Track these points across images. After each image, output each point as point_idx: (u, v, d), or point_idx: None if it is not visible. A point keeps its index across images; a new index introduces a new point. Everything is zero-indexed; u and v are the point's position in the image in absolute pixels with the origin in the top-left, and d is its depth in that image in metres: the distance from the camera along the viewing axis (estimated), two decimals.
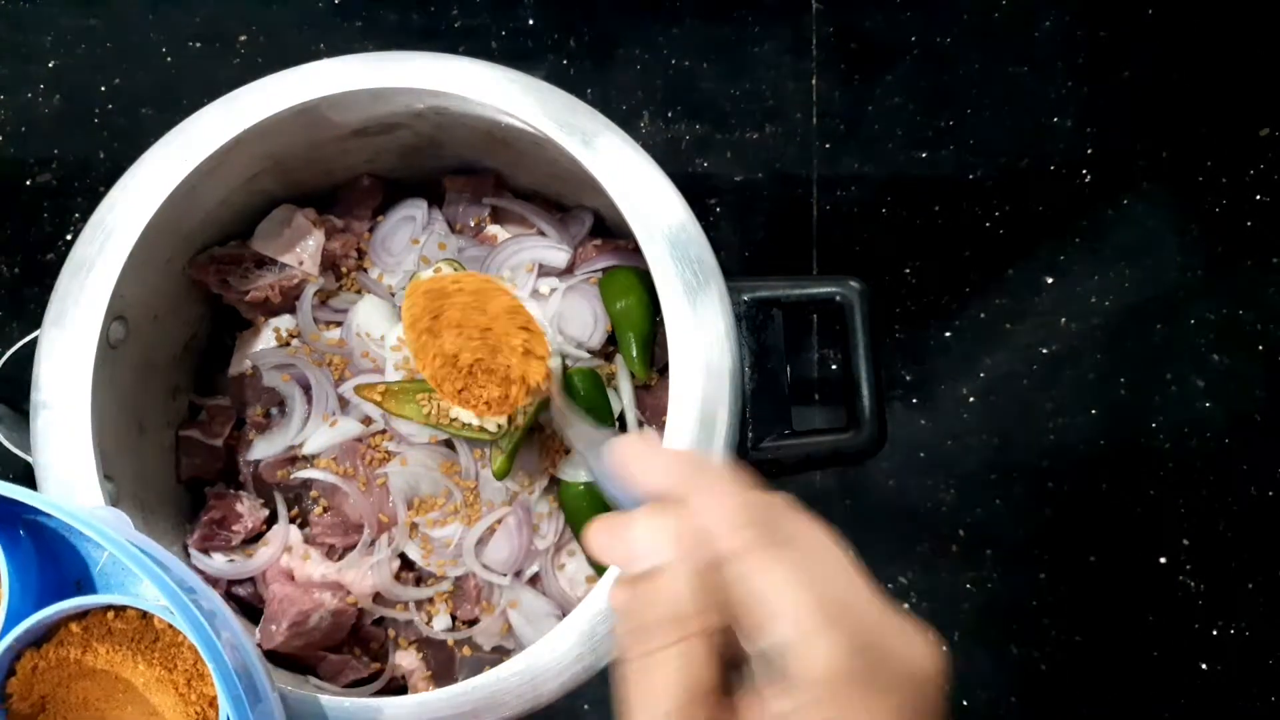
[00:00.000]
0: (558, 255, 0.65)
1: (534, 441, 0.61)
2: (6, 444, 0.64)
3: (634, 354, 0.61)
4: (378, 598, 0.61)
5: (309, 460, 0.63)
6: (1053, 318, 0.79)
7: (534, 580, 0.62)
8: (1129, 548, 0.76)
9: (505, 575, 0.60)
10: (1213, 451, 0.77)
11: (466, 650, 0.61)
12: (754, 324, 0.57)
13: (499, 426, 0.58)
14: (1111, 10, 0.83)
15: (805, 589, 0.32)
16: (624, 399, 0.62)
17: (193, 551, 0.62)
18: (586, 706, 0.74)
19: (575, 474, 0.60)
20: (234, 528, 0.62)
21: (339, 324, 0.65)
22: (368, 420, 0.62)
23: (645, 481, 0.36)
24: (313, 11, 0.84)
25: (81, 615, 0.44)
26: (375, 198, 0.67)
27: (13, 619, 0.43)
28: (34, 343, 0.55)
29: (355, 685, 0.60)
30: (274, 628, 0.58)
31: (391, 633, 0.62)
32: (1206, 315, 0.79)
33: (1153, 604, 0.75)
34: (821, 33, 0.83)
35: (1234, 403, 0.77)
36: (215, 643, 0.41)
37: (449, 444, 0.62)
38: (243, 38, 0.83)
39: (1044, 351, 0.79)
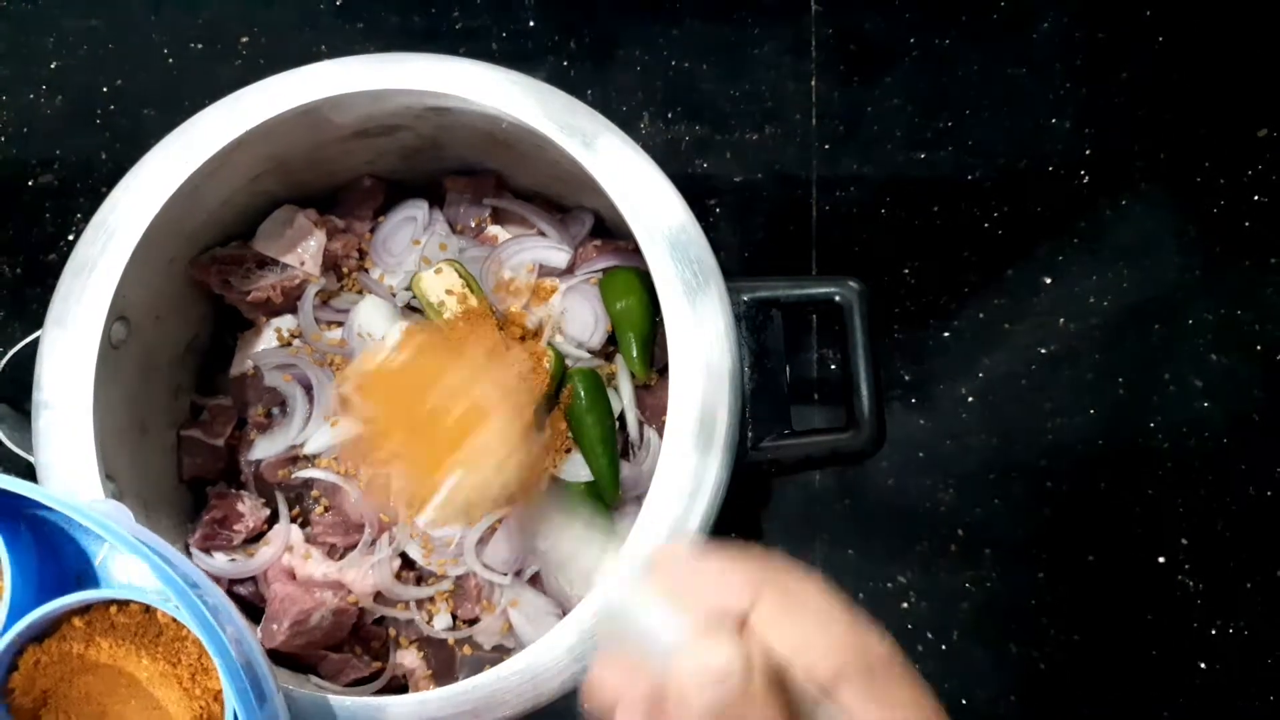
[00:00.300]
0: (558, 255, 0.65)
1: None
2: (8, 444, 0.64)
3: (634, 354, 0.61)
4: (379, 597, 0.62)
5: (310, 460, 0.63)
6: (1051, 318, 0.79)
7: (534, 579, 0.62)
8: (1128, 547, 0.76)
9: (506, 574, 0.60)
10: (1211, 451, 0.77)
11: (467, 649, 0.61)
12: (753, 324, 0.57)
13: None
14: (1110, 11, 0.84)
15: None
16: (624, 399, 0.63)
17: (194, 551, 0.62)
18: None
19: (576, 474, 0.61)
20: (235, 527, 0.62)
21: (340, 324, 0.65)
22: None
23: (705, 597, 0.31)
24: (314, 13, 0.84)
25: (84, 610, 0.44)
26: (376, 198, 0.68)
27: (15, 613, 0.43)
28: (36, 343, 0.55)
29: (356, 684, 0.61)
30: (275, 627, 0.58)
31: (392, 632, 0.62)
32: (1205, 315, 0.79)
33: (1152, 603, 0.75)
34: (821, 34, 0.83)
35: (1232, 403, 0.77)
36: (220, 636, 0.41)
37: None
38: (244, 39, 0.83)
39: (1043, 352, 0.79)
